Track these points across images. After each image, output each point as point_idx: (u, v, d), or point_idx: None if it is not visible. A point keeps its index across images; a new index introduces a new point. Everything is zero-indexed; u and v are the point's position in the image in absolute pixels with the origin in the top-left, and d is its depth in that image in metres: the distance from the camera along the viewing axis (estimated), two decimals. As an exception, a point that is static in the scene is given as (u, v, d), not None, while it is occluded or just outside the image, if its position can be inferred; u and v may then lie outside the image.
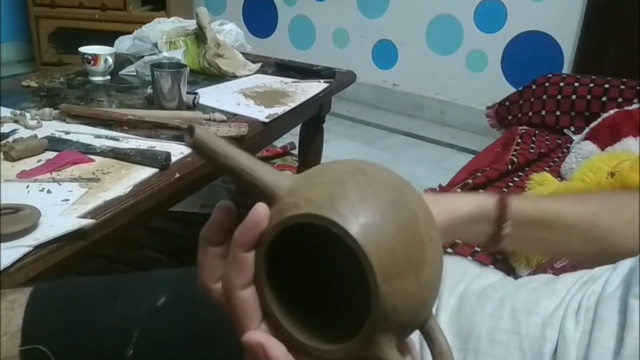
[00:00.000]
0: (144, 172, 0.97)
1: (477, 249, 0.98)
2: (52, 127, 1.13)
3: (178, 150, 1.06)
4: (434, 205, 0.38)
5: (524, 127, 1.83)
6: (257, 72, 1.68)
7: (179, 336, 0.56)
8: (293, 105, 1.42)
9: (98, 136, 1.11)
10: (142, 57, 1.55)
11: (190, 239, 1.67)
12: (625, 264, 0.50)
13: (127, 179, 0.94)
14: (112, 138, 1.10)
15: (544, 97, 1.87)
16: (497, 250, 1.05)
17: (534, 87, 1.93)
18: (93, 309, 0.56)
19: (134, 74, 1.54)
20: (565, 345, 0.46)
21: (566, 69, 2.62)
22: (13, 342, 0.52)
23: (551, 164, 1.54)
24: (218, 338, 0.57)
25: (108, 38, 1.64)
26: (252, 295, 0.35)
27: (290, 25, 3.34)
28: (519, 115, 1.93)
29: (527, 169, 1.49)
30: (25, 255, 0.72)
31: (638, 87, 1.73)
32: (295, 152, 2.15)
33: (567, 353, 0.45)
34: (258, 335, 0.34)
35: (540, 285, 0.54)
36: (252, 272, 0.34)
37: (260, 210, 0.34)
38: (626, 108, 1.55)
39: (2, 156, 0.98)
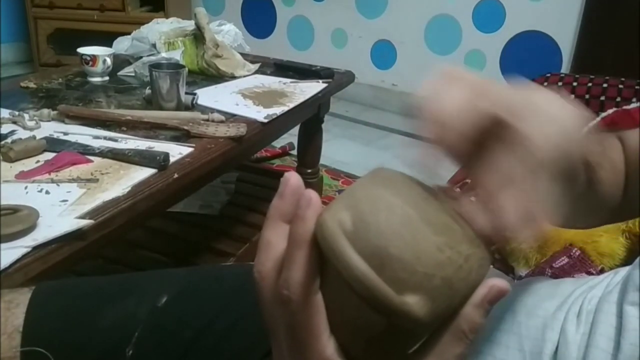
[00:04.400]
0: (143, 173, 0.97)
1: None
2: (51, 128, 1.13)
3: (176, 151, 1.06)
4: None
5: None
6: (256, 72, 1.68)
7: (179, 336, 0.56)
8: (292, 105, 1.42)
9: (96, 137, 1.11)
10: (141, 57, 1.55)
11: (189, 240, 1.67)
12: (626, 269, 0.50)
13: (126, 180, 0.94)
14: (110, 139, 1.10)
15: (543, 96, 1.87)
16: (496, 250, 1.05)
17: (532, 86, 1.93)
18: (94, 308, 0.56)
19: (133, 74, 1.54)
20: (566, 346, 0.46)
21: (565, 68, 2.62)
22: (10, 343, 0.51)
23: (550, 163, 1.54)
24: (219, 339, 0.57)
25: (107, 39, 1.64)
26: (321, 299, 0.31)
27: (289, 26, 3.34)
28: (518, 115, 1.93)
29: (526, 168, 1.49)
30: (24, 256, 0.72)
31: (636, 87, 1.73)
32: (294, 152, 2.15)
33: (567, 354, 0.46)
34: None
35: (541, 288, 0.54)
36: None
37: (295, 178, 0.33)
38: (625, 107, 1.56)
39: (0, 157, 0.98)
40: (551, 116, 0.33)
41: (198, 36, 1.62)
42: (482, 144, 0.33)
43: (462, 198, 0.33)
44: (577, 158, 0.35)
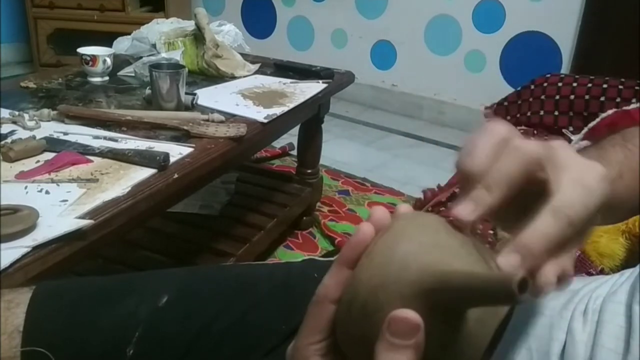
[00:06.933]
0: (143, 173, 0.97)
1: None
2: (51, 128, 1.13)
3: (176, 151, 1.06)
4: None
5: (523, 127, 1.83)
6: (256, 72, 1.68)
7: (180, 336, 0.56)
8: (292, 105, 1.42)
9: (96, 137, 1.11)
10: (141, 57, 1.55)
11: (189, 240, 1.66)
12: (632, 271, 0.50)
13: (126, 180, 0.94)
14: (110, 139, 1.10)
15: (542, 97, 1.87)
16: (496, 250, 1.05)
17: (532, 87, 1.93)
18: (95, 308, 0.56)
19: (133, 74, 1.54)
20: (573, 345, 0.46)
21: (565, 69, 2.62)
22: (10, 343, 0.51)
23: (550, 164, 1.53)
24: (219, 339, 0.57)
25: (107, 39, 1.64)
26: (332, 312, 0.35)
27: (289, 26, 3.34)
28: (518, 115, 1.93)
29: (525, 168, 1.49)
30: (24, 256, 0.72)
31: (636, 87, 1.73)
32: (294, 152, 2.15)
33: (575, 353, 0.46)
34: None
35: None
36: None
37: (366, 229, 0.35)
38: (625, 108, 1.55)
39: (0, 157, 0.98)
40: (583, 180, 0.36)
41: (198, 36, 1.62)
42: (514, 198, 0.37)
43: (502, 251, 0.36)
44: (596, 210, 0.38)
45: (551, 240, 0.35)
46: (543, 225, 0.35)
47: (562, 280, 0.36)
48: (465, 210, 0.36)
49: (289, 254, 1.73)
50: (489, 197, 0.36)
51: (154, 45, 1.60)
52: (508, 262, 0.34)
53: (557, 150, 0.38)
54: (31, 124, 1.13)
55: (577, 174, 0.37)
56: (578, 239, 0.38)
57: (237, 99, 1.43)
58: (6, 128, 1.11)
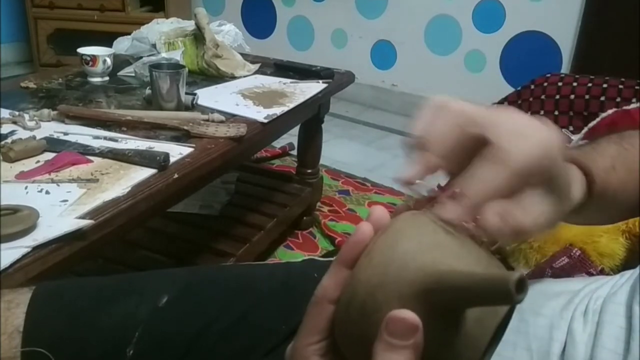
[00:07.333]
0: (143, 173, 0.97)
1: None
2: (51, 128, 1.13)
3: (177, 151, 1.06)
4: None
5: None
6: (256, 72, 1.68)
7: (180, 336, 0.56)
8: (292, 105, 1.42)
9: (97, 137, 1.11)
10: (141, 58, 1.55)
11: (189, 240, 1.66)
12: (632, 272, 0.50)
13: (126, 180, 0.94)
14: (110, 139, 1.10)
15: (543, 97, 1.87)
16: (496, 250, 1.05)
17: (532, 87, 1.93)
18: (95, 308, 0.56)
19: (133, 74, 1.54)
20: (573, 345, 0.46)
21: (565, 68, 2.62)
22: (10, 343, 0.51)
23: (550, 163, 1.53)
24: (219, 339, 0.57)
25: (107, 39, 1.64)
26: (331, 312, 0.35)
27: (289, 26, 3.34)
28: (518, 115, 1.93)
29: (525, 168, 1.49)
30: (24, 256, 0.72)
31: (636, 87, 1.73)
32: (294, 152, 2.15)
33: (575, 353, 0.46)
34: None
35: (547, 286, 0.54)
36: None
37: (365, 229, 0.35)
38: (625, 107, 1.55)
39: (0, 157, 0.98)
40: (521, 130, 0.36)
41: (198, 36, 1.62)
42: (469, 161, 0.37)
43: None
44: (553, 166, 0.37)
45: (486, 184, 0.35)
46: (477, 171, 0.35)
47: (505, 220, 0.36)
48: (408, 171, 0.38)
49: (289, 254, 1.73)
50: (428, 155, 0.37)
51: (154, 45, 1.60)
52: (445, 210, 0.35)
53: (496, 110, 0.38)
54: (31, 124, 1.13)
55: (516, 126, 0.36)
56: (544, 195, 0.38)
57: (237, 99, 1.43)
58: (6, 128, 1.11)
